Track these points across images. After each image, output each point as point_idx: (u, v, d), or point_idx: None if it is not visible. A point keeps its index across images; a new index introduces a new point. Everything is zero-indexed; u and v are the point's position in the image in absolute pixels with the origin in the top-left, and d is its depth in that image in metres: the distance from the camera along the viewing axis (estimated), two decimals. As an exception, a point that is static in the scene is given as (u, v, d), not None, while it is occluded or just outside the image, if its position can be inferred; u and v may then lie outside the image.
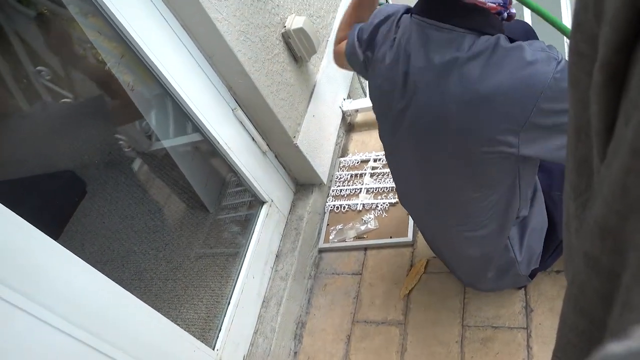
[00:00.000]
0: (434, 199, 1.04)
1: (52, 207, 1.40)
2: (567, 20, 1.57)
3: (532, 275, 1.18)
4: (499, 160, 0.84)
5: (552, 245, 1.11)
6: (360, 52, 1.01)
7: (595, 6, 0.30)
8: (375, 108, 1.04)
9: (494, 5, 0.80)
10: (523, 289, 1.29)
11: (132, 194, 1.63)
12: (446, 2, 0.80)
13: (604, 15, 0.28)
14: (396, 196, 1.62)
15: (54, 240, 0.87)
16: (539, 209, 1.08)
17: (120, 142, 1.62)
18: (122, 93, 1.34)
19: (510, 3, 0.84)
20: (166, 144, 1.53)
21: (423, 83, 0.84)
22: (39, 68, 1.38)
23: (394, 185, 1.26)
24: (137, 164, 1.65)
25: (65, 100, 1.47)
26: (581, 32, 0.34)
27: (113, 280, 0.98)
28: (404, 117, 0.91)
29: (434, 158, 0.93)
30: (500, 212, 0.97)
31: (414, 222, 1.30)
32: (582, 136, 0.38)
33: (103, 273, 0.96)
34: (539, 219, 1.08)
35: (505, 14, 0.82)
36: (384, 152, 1.16)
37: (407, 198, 1.20)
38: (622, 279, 0.32)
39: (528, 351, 1.19)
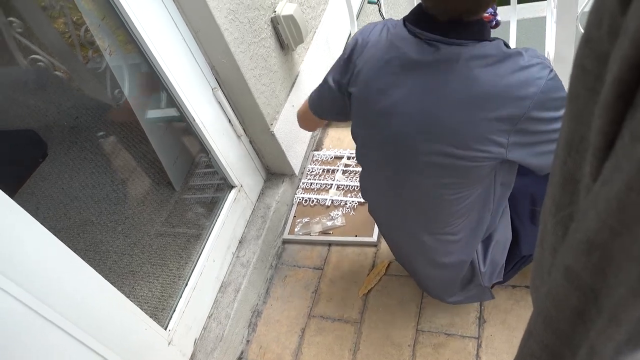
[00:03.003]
0: (410, 206, 1.04)
1: (8, 165, 1.33)
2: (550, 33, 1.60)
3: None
4: (484, 161, 0.85)
5: (513, 260, 1.13)
6: (339, 76, 1.01)
7: (610, 23, 0.31)
8: (358, 112, 1.01)
9: (487, 15, 0.82)
10: (478, 299, 1.32)
11: (96, 162, 1.58)
12: (451, 21, 0.79)
13: (621, 32, 0.28)
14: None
15: (7, 196, 0.82)
16: (504, 223, 1.10)
17: (89, 107, 1.56)
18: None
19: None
20: (138, 115, 1.48)
21: (419, 81, 0.84)
22: (10, 19, 1.31)
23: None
24: (104, 132, 1.59)
25: (35, 56, 1.40)
26: (589, 48, 0.34)
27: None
28: (391, 118, 0.90)
29: (415, 161, 0.92)
30: (475, 215, 0.99)
31: (385, 238, 1.30)
32: (573, 152, 0.39)
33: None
34: (503, 233, 1.10)
35: (494, 22, 0.85)
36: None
37: (379, 208, 1.19)
38: (601, 295, 0.33)
39: (477, 360, 1.22)
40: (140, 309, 1.11)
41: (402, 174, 0.98)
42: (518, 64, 0.76)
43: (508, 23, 1.67)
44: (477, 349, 1.24)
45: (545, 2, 1.68)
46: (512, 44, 1.69)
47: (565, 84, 0.40)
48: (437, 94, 0.82)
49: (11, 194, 0.84)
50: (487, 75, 0.77)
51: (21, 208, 0.84)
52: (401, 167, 0.97)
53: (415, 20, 0.84)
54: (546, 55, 1.66)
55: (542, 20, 1.72)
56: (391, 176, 1.01)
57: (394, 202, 1.08)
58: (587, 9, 1.34)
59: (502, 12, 1.75)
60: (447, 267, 1.10)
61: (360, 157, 1.11)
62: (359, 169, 1.71)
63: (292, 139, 1.64)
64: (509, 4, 1.65)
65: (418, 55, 0.83)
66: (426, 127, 0.86)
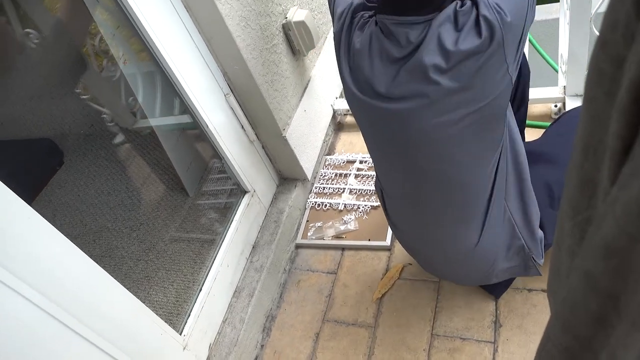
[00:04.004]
0: (433, 195, 1.03)
1: (26, 174, 1.35)
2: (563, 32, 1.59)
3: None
4: (500, 97, 0.87)
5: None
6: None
7: (625, 27, 0.30)
8: (354, 105, 1.02)
9: None
10: (494, 303, 1.30)
11: (111, 169, 1.59)
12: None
13: (636, 36, 0.28)
14: (378, 199, 1.62)
15: (26, 204, 0.84)
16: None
17: (103, 115, 1.58)
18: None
19: None
20: (152, 122, 1.50)
21: (403, 67, 0.86)
22: (27, 30, 1.34)
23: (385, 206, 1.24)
24: (118, 140, 1.61)
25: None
26: (605, 52, 0.34)
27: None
28: (391, 108, 0.92)
29: (427, 139, 0.93)
30: (488, 191, 1.00)
31: (407, 250, 1.31)
32: (590, 155, 0.38)
33: (75, 246, 0.93)
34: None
35: None
36: (373, 163, 1.16)
37: (400, 214, 1.18)
38: (621, 301, 0.32)
39: (493, 365, 1.21)
40: (156, 314, 1.12)
41: (417, 158, 0.98)
42: (473, 12, 0.81)
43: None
44: (494, 354, 1.22)
45: (558, 3, 1.67)
46: (525, 47, 1.68)
47: (581, 85, 0.39)
48: (424, 72, 0.84)
49: (29, 201, 0.85)
50: (462, 38, 0.81)
51: (39, 215, 0.86)
52: (414, 151, 0.97)
53: (390, 8, 0.87)
54: (559, 57, 1.65)
55: (555, 22, 1.71)
56: (406, 164, 1.01)
57: (415, 199, 1.08)
58: (601, 9, 1.33)
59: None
60: (480, 251, 1.09)
61: (373, 158, 1.13)
62: (372, 172, 1.71)
63: (304, 144, 1.65)
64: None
65: (397, 53, 0.87)
66: (428, 104, 0.87)
